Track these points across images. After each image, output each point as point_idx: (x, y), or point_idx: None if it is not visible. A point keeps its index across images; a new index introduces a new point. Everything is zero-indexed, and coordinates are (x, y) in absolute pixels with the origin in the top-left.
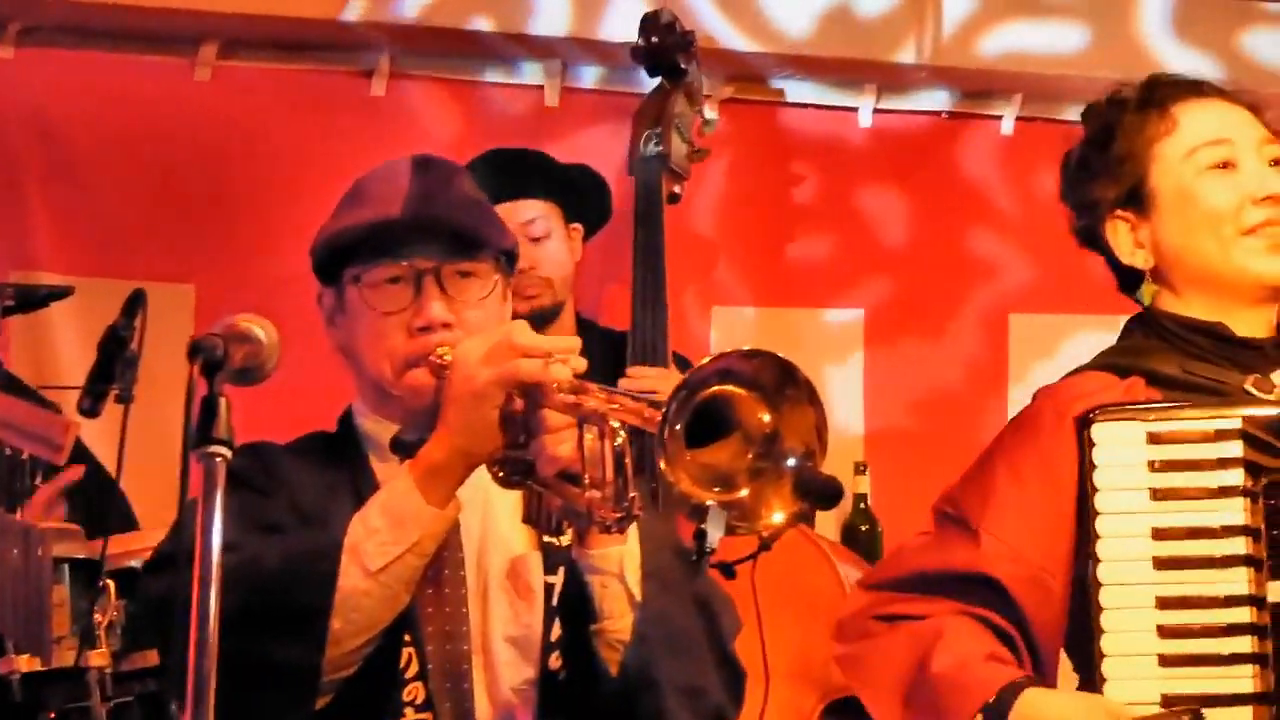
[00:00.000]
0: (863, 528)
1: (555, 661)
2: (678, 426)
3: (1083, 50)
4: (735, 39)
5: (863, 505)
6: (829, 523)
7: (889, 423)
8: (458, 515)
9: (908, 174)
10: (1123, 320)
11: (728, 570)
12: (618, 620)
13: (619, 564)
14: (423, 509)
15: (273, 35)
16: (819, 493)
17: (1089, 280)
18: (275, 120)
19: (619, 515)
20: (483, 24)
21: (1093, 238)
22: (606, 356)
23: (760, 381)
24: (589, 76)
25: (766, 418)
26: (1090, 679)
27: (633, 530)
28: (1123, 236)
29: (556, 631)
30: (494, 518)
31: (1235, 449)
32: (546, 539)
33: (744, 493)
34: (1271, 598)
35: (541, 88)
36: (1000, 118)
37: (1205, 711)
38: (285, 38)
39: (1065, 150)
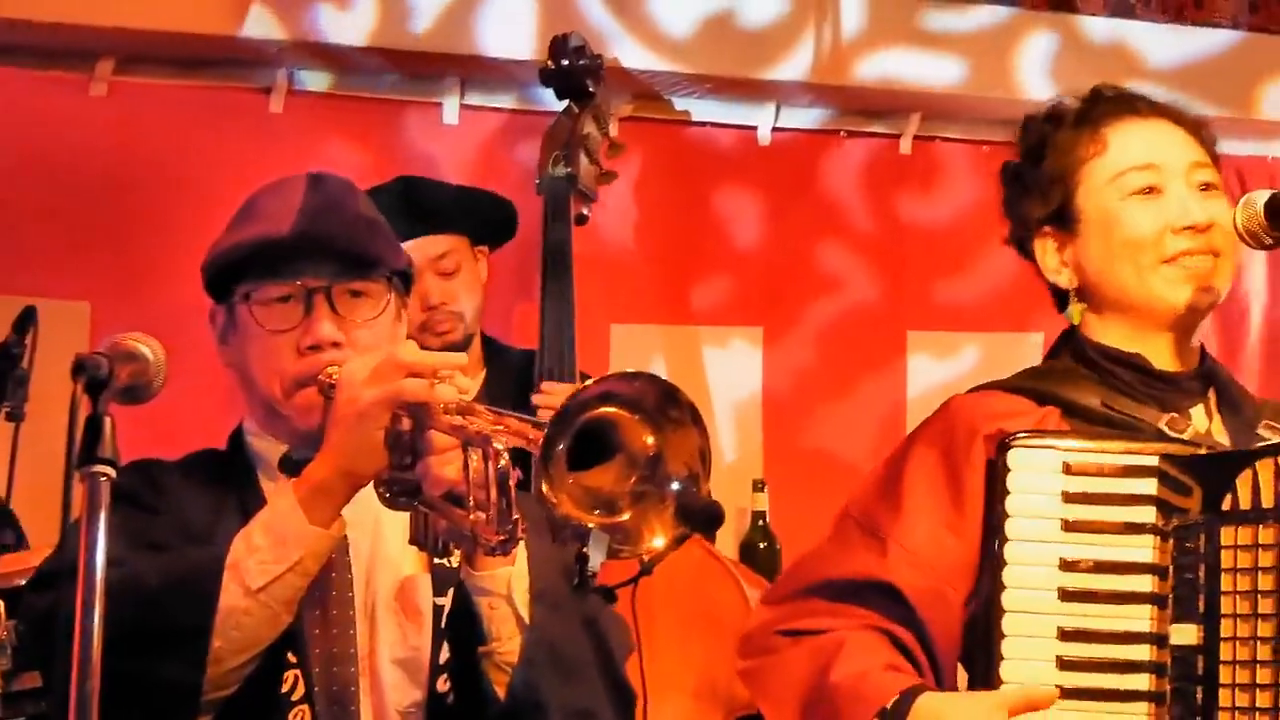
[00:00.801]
0: (761, 545)
1: (443, 684)
2: (560, 449)
3: (978, 70)
4: (637, 57)
5: (761, 522)
6: (728, 540)
7: (788, 440)
8: (342, 535)
9: (806, 191)
10: (1019, 338)
11: (609, 595)
12: (506, 642)
13: (507, 585)
14: (305, 528)
15: (171, 51)
16: (700, 516)
17: (987, 297)
18: (172, 137)
19: (502, 538)
20: (381, 41)
21: (1025, 252)
22: (518, 377)
23: (643, 404)
24: (488, 95)
25: (650, 440)
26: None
27: (521, 551)
28: (1049, 254)
29: (445, 654)
30: (383, 539)
31: (1149, 486)
32: (436, 560)
33: (626, 516)
34: (1174, 640)
35: (440, 105)
36: (899, 136)
37: None
38: (183, 54)
39: (963, 168)
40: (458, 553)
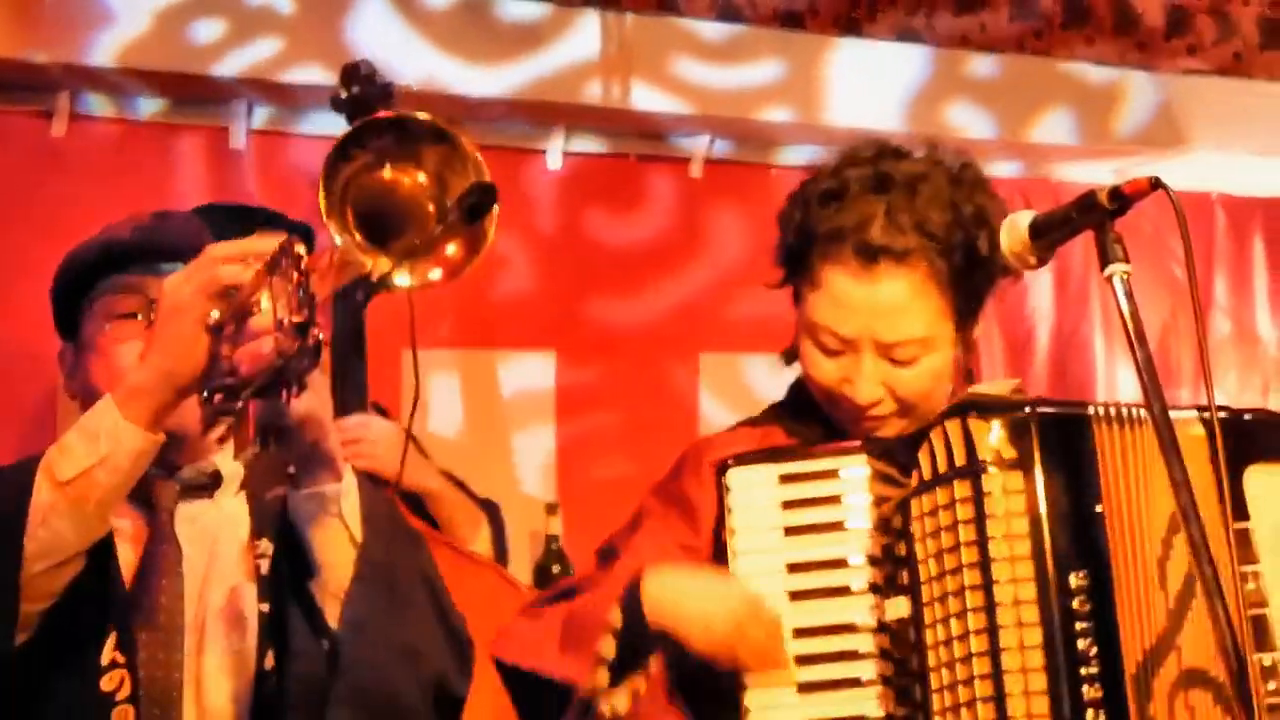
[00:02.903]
0: (555, 568)
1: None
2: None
3: (774, 93)
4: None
5: (554, 546)
6: (522, 565)
7: (582, 464)
8: (158, 441)
9: (598, 215)
10: None
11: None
12: (338, 568)
13: (336, 501)
14: (118, 423)
15: None
16: (472, 194)
17: (778, 318)
18: None
19: (307, 345)
20: (168, 66)
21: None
22: None
23: (387, 151)
24: (273, 119)
25: (422, 179)
26: (735, 706)
27: (349, 474)
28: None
29: (269, 661)
30: (220, 556)
31: (862, 483)
32: (262, 573)
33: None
34: (889, 615)
35: (226, 129)
36: (689, 160)
37: None
38: None
39: (752, 192)
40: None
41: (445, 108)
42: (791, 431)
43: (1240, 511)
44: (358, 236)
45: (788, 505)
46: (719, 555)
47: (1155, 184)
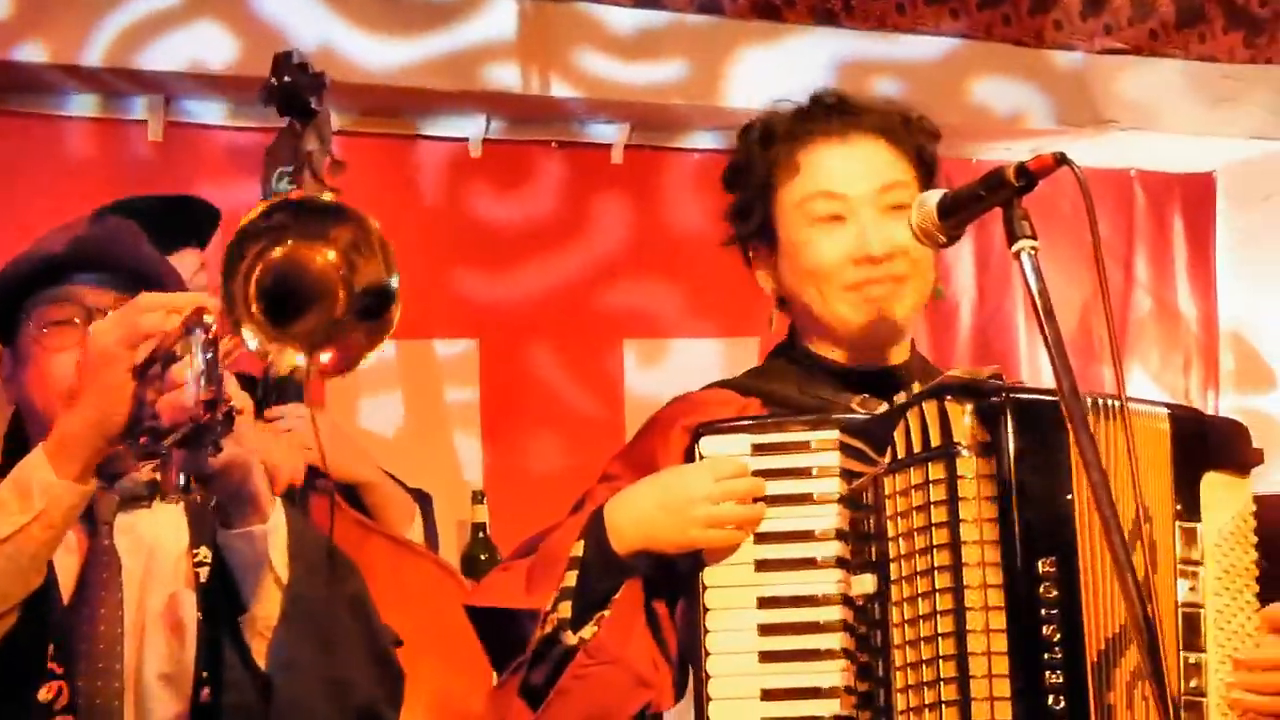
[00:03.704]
0: (482, 557)
1: (206, 696)
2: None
3: (688, 80)
4: (356, 73)
5: (482, 534)
6: (450, 554)
7: (508, 451)
8: (90, 491)
9: (518, 202)
10: (735, 343)
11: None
12: (265, 607)
13: (264, 541)
14: (50, 479)
15: None
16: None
17: (702, 304)
18: None
19: (207, 397)
20: (89, 59)
21: (744, 258)
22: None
23: (293, 231)
24: (197, 111)
25: (332, 256)
26: (695, 674)
27: (278, 510)
28: (758, 267)
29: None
30: (158, 565)
31: (832, 457)
32: (201, 581)
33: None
34: (855, 590)
35: (145, 122)
36: (610, 146)
37: (800, 704)
38: None
39: (675, 176)
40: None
41: (369, 96)
42: (770, 399)
43: (1193, 513)
44: (260, 320)
45: (759, 475)
46: None
47: (1061, 160)
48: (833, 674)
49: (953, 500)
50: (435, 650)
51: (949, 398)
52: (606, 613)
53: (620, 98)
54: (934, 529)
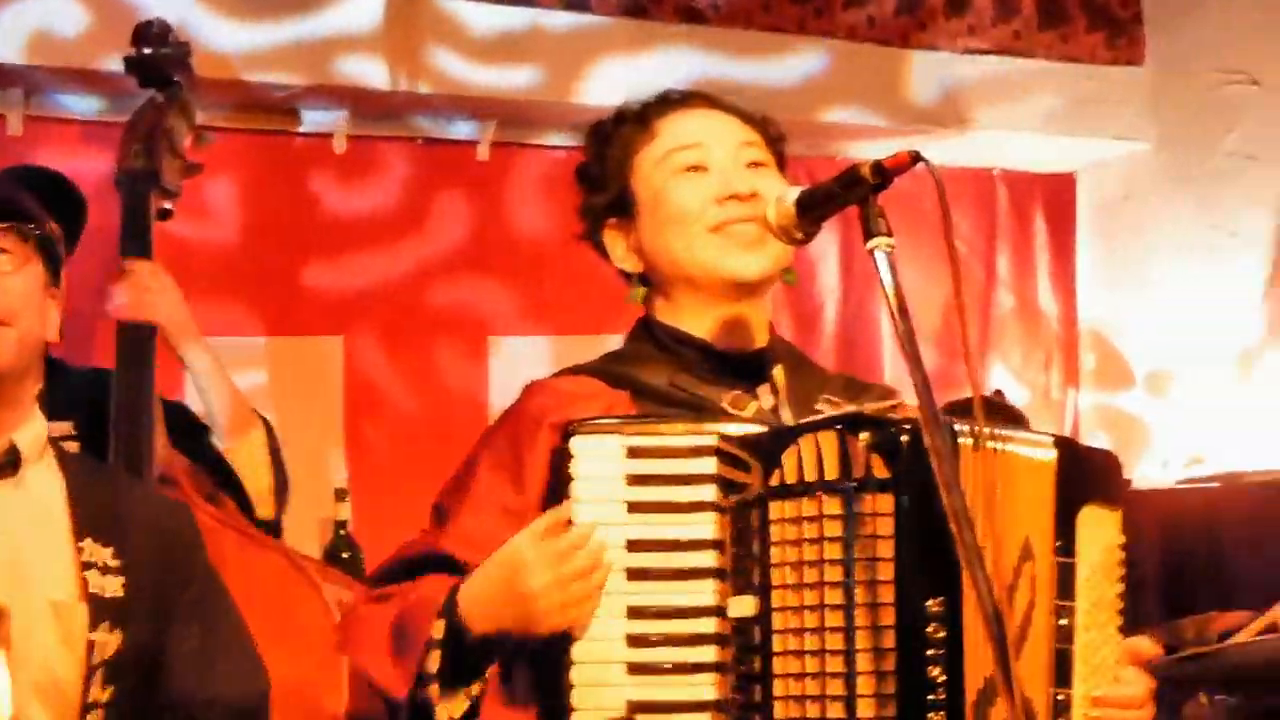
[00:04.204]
0: (344, 554)
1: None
2: None
3: (553, 78)
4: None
5: (343, 531)
6: (311, 550)
7: (371, 448)
8: None
9: (384, 198)
10: (599, 339)
11: None
12: None
13: None
14: None
15: None
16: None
17: (566, 300)
18: None
19: None
20: None
21: (599, 247)
22: (92, 395)
23: None
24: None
25: None
26: (557, 682)
27: None
28: (616, 243)
29: (95, 692)
30: (30, 553)
31: (709, 465)
32: (93, 591)
33: None
34: (732, 612)
35: (4, 116)
36: (476, 143)
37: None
38: None
39: (539, 174)
40: None
41: (235, 93)
42: (639, 392)
43: (1068, 548)
44: None
45: (634, 480)
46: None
47: (915, 158)
48: (706, 688)
49: (848, 538)
50: (280, 644)
51: (848, 429)
52: (477, 689)
53: (485, 95)
54: (826, 565)
